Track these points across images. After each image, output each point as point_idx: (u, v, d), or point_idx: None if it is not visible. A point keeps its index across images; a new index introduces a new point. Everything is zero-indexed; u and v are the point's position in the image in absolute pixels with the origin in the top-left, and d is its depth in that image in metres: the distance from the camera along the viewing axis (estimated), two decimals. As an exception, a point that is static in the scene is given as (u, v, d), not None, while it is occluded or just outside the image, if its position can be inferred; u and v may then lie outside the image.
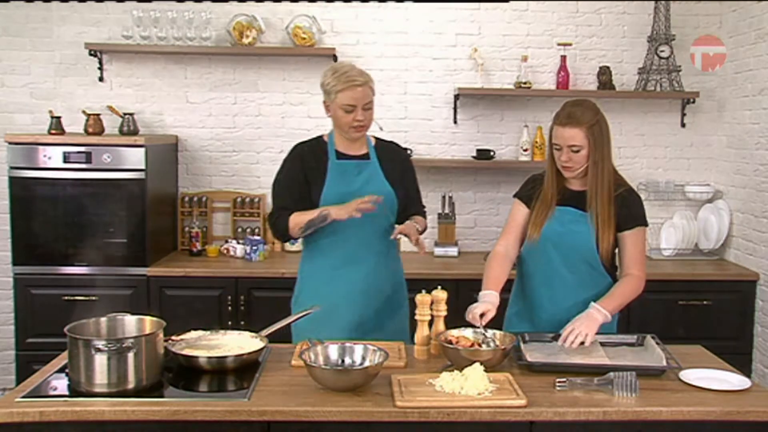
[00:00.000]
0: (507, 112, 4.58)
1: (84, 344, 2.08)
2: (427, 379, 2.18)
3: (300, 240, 2.84)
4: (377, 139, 2.92)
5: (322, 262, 2.80)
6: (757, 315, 4.09)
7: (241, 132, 4.56)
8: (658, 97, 4.50)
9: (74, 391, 2.11)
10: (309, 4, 4.43)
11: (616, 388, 2.13)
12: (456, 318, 2.56)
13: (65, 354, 2.21)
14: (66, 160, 3.91)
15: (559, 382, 2.17)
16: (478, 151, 4.48)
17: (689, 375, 2.27)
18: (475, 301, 2.52)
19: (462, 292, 3.58)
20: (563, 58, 4.45)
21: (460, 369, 2.17)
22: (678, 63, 4.39)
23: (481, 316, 2.44)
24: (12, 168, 3.93)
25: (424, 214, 2.93)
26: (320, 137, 2.88)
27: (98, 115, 4.15)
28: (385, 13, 4.50)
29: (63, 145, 3.92)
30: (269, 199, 4.54)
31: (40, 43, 4.42)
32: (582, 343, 2.40)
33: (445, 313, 2.49)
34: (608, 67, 4.46)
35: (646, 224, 2.63)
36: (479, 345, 2.39)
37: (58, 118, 4.09)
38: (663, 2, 4.38)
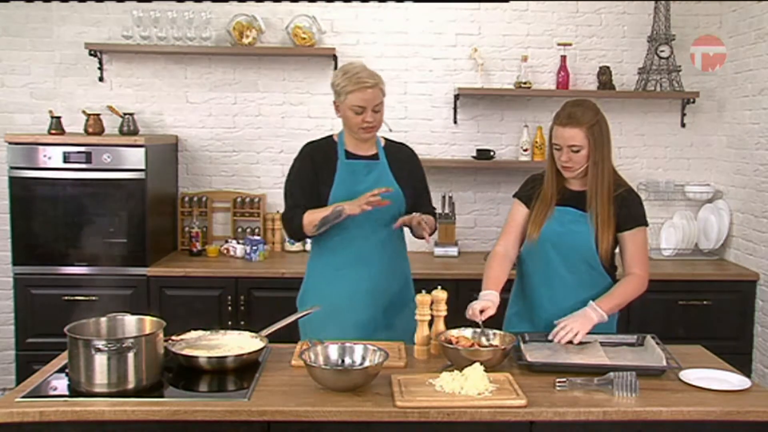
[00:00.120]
0: (507, 112, 4.58)
1: (84, 344, 2.08)
2: (427, 379, 2.18)
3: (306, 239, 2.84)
4: (387, 139, 2.93)
5: (330, 261, 2.81)
6: (757, 315, 4.09)
7: (241, 132, 4.56)
8: (658, 97, 4.50)
9: (74, 391, 2.11)
10: (309, 4, 4.43)
11: (616, 388, 2.13)
12: (456, 318, 2.56)
13: (65, 354, 2.21)
14: (66, 160, 3.91)
15: (559, 382, 2.17)
16: (478, 151, 4.48)
17: (689, 375, 2.27)
18: (475, 300, 2.52)
19: (462, 292, 3.58)
20: (563, 58, 4.45)
21: (460, 369, 2.17)
22: (678, 63, 4.39)
23: (481, 312, 2.45)
24: (12, 168, 3.93)
25: (434, 215, 2.93)
26: (330, 137, 2.89)
27: (98, 115, 4.15)
28: (385, 13, 4.50)
29: (63, 145, 3.92)
30: (269, 199, 4.59)
31: (40, 43, 4.42)
32: (570, 341, 2.41)
33: (445, 313, 2.49)
34: (608, 67, 4.46)
35: (646, 224, 2.63)
36: (479, 345, 2.39)
37: (58, 118, 4.09)
38: (663, 2, 4.38)
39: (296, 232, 2.78)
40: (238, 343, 2.42)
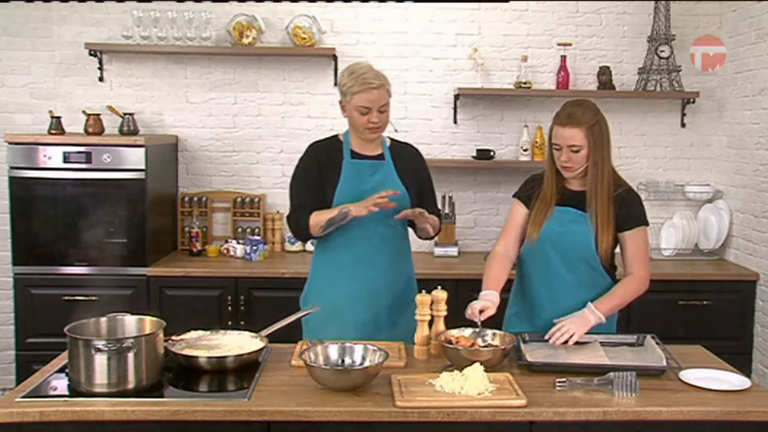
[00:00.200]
0: (507, 112, 4.58)
1: (84, 344, 2.08)
2: (427, 379, 2.18)
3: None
4: (392, 140, 2.93)
5: (333, 261, 2.82)
6: (757, 315, 4.09)
7: (241, 132, 4.56)
8: (658, 97, 4.50)
9: (74, 391, 2.11)
10: (309, 4, 4.43)
11: (616, 388, 2.13)
12: (456, 318, 2.56)
13: (65, 354, 2.21)
14: (66, 160, 3.91)
15: (559, 382, 2.17)
16: (478, 151, 4.48)
17: (689, 375, 2.27)
18: (476, 300, 2.53)
19: (462, 292, 3.58)
20: (563, 58, 4.45)
21: (460, 369, 2.17)
22: (678, 63, 4.39)
23: (481, 312, 2.45)
24: (12, 168, 3.93)
25: (439, 216, 2.93)
26: (335, 137, 2.89)
27: (98, 115, 4.15)
28: (385, 13, 4.50)
29: (63, 145, 3.92)
30: (269, 199, 4.59)
31: (40, 43, 4.42)
32: (566, 342, 2.42)
33: (445, 313, 2.49)
34: (608, 67, 4.46)
35: (646, 224, 2.63)
36: (479, 345, 2.39)
37: (58, 118, 4.09)
38: (663, 2, 4.38)
39: (302, 233, 2.79)
40: (238, 343, 2.42)
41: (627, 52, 4.56)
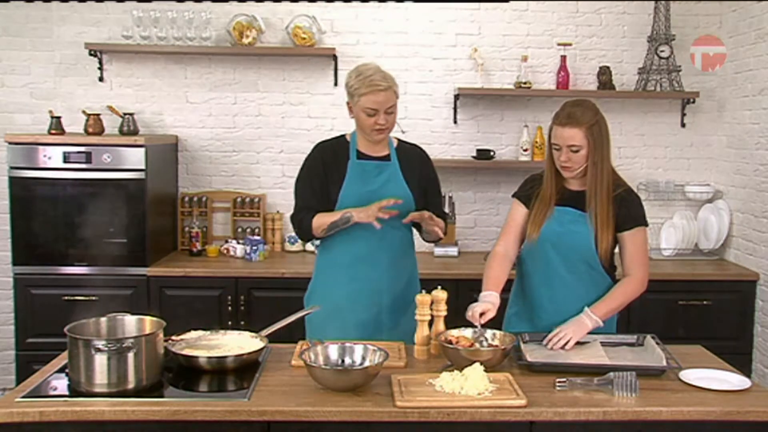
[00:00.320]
0: (507, 112, 4.58)
1: (84, 344, 2.08)
2: (427, 379, 2.18)
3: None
4: (400, 141, 2.93)
5: (336, 260, 2.82)
6: (757, 315, 4.09)
7: (241, 132, 4.56)
8: (658, 97, 4.50)
9: (74, 391, 2.11)
10: (309, 4, 4.43)
11: (616, 388, 2.13)
12: (456, 318, 2.56)
13: (65, 354, 2.21)
14: (66, 160, 3.91)
15: (559, 382, 2.17)
16: (478, 151, 4.48)
17: (689, 375, 2.27)
18: (475, 301, 2.53)
19: (462, 292, 3.58)
20: (563, 58, 4.45)
21: (460, 369, 2.17)
22: (678, 63, 4.39)
23: (481, 315, 2.45)
24: (12, 168, 3.93)
25: (444, 219, 2.92)
26: (342, 136, 2.89)
27: (98, 115, 4.15)
28: (385, 13, 4.50)
29: (63, 145, 3.92)
30: (269, 199, 4.59)
31: (40, 43, 4.42)
32: (563, 346, 2.44)
33: (445, 313, 2.49)
34: (608, 67, 4.46)
35: (645, 224, 2.63)
36: (479, 344, 2.39)
37: (58, 118, 4.09)
38: (663, 2, 4.38)
39: (305, 234, 2.81)
40: (238, 343, 2.42)
41: (627, 52, 4.56)
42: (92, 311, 2.42)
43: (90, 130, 4.08)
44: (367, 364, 2.22)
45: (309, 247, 4.44)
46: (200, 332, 2.48)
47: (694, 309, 4.05)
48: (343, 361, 2.26)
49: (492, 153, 4.47)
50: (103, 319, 2.31)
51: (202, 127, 4.54)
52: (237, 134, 4.56)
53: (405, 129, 4.43)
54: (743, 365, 3.66)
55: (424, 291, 2.49)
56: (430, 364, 2.40)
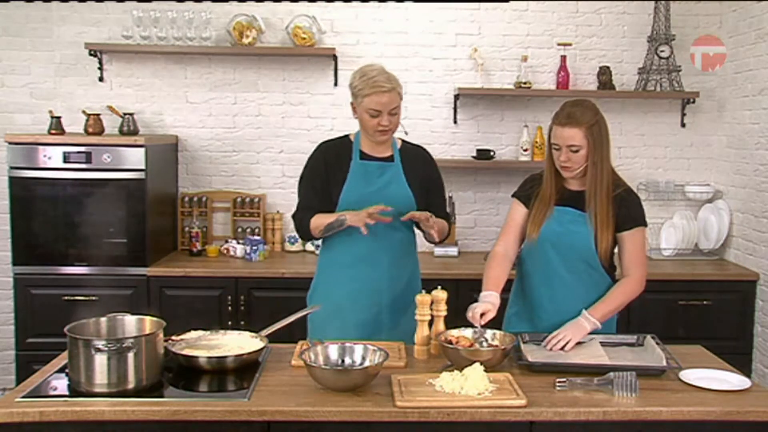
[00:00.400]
0: (507, 112, 4.58)
1: (84, 344, 2.08)
2: (427, 379, 2.18)
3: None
4: (404, 142, 2.93)
5: (338, 259, 2.83)
6: (757, 315, 4.09)
7: (241, 132, 4.56)
8: (658, 97, 4.50)
9: (74, 391, 2.11)
10: (309, 4, 4.43)
11: (616, 388, 2.13)
12: (456, 318, 2.56)
13: (65, 354, 2.21)
14: (66, 160, 3.91)
15: (559, 382, 2.17)
16: (478, 151, 4.48)
17: (689, 375, 2.27)
18: (475, 301, 2.53)
19: (462, 292, 3.58)
20: (563, 58, 4.45)
21: (460, 369, 2.17)
22: (678, 63, 4.39)
23: (481, 315, 2.45)
24: (12, 168, 3.93)
25: (447, 221, 2.93)
26: (347, 136, 2.90)
27: (98, 115, 4.15)
28: (385, 13, 4.50)
29: (63, 145, 3.92)
30: (269, 199, 4.59)
31: (40, 43, 4.42)
32: (563, 348, 2.44)
33: (445, 313, 2.50)
34: (608, 67, 4.46)
35: (645, 224, 2.63)
36: (479, 345, 2.39)
37: (58, 118, 4.09)
38: (663, 2, 4.38)
39: (304, 233, 2.83)
40: (238, 343, 2.42)
41: (627, 52, 4.56)
42: (92, 311, 2.43)
43: (90, 130, 4.08)
44: (367, 364, 2.22)
45: (309, 247, 4.44)
46: (200, 332, 2.48)
47: (694, 309, 4.05)
48: (343, 361, 2.26)
49: (492, 153, 4.47)
50: (103, 319, 2.31)
51: (202, 127, 4.54)
52: (237, 134, 4.56)
53: (406, 130, 4.43)
54: (743, 365, 3.66)
55: (424, 291, 2.49)
56: (430, 364, 2.40)
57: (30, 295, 3.97)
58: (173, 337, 2.40)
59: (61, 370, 2.27)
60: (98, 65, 4.43)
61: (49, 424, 1.98)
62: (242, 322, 3.88)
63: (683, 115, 4.59)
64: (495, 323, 2.52)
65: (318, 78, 4.52)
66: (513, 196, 2.77)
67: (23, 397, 2.06)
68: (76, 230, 3.95)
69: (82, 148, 3.92)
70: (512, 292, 2.83)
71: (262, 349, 2.37)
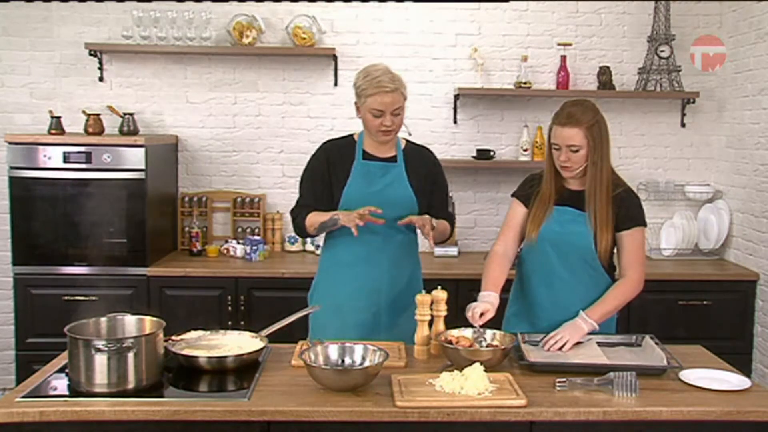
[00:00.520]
0: (507, 112, 4.58)
1: (84, 344, 2.08)
2: (427, 379, 2.18)
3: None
4: (408, 142, 2.93)
5: (338, 259, 2.83)
6: (757, 315, 4.09)
7: (241, 132, 4.56)
8: (658, 97, 4.50)
9: (74, 391, 2.11)
10: (309, 4, 4.43)
11: (616, 388, 2.13)
12: (456, 318, 2.57)
13: (65, 354, 2.21)
14: (66, 160, 3.91)
15: (559, 382, 2.17)
16: (478, 151, 4.48)
17: (689, 375, 2.27)
18: (475, 301, 2.52)
19: (462, 292, 3.58)
20: (563, 58, 4.45)
21: (460, 369, 2.17)
22: (678, 63, 4.39)
23: (481, 315, 2.45)
24: (12, 168, 3.93)
25: (450, 221, 2.93)
26: (350, 136, 2.89)
27: (98, 115, 4.15)
28: (385, 13, 4.50)
29: (63, 145, 3.92)
30: (269, 199, 4.59)
31: (40, 43, 4.42)
32: (561, 348, 2.44)
33: (445, 313, 2.50)
34: (608, 67, 4.46)
35: (644, 224, 2.63)
36: (479, 344, 2.39)
37: (58, 118, 4.09)
38: (663, 2, 4.38)
39: (300, 231, 2.84)
40: (238, 343, 2.42)
41: (627, 52, 4.56)
42: (92, 311, 2.42)
43: (90, 130, 4.08)
44: (367, 364, 2.22)
45: (309, 247, 4.44)
46: (200, 332, 2.48)
47: (693, 309, 4.05)
48: (343, 361, 2.26)
49: (492, 153, 4.47)
50: (103, 319, 2.31)
51: (202, 127, 4.54)
52: (237, 134, 4.56)
53: (410, 130, 4.43)
54: (743, 365, 3.66)
55: (424, 291, 2.49)
56: (430, 364, 2.40)
57: (30, 295, 3.97)
58: (173, 337, 2.40)
59: (61, 370, 2.27)
60: (98, 65, 4.43)
61: (49, 424, 1.98)
62: (242, 322, 3.88)
63: (683, 115, 4.59)
64: (494, 323, 2.52)
65: (318, 78, 4.52)
66: (513, 195, 2.77)
67: (23, 397, 2.06)
68: (76, 230, 3.95)
69: (82, 148, 3.92)
70: (512, 292, 2.83)
71: (262, 349, 2.37)
